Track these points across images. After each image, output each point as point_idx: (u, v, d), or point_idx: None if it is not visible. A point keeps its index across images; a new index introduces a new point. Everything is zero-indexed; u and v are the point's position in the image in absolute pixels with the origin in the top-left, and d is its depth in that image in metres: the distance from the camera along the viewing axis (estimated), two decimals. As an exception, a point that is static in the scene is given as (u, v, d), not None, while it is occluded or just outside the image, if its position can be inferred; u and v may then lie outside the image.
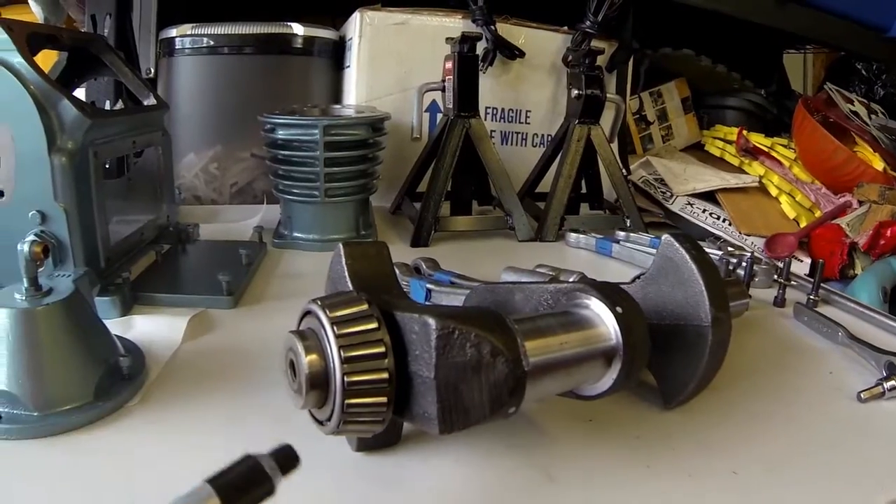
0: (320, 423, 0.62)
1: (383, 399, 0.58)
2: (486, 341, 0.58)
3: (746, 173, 2.10)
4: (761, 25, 2.48)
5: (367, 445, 0.74)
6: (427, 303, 1.09)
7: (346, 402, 0.57)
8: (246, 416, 0.80)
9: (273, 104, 1.59)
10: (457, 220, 1.67)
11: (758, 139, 2.23)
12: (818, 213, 1.96)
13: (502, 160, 1.69)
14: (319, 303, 0.60)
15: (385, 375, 0.58)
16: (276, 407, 0.66)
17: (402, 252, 1.46)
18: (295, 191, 1.48)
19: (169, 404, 0.82)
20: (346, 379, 0.57)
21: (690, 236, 0.85)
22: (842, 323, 1.11)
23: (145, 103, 1.34)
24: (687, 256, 0.81)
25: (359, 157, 1.49)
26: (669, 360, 0.84)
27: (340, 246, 0.72)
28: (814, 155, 2.11)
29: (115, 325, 0.98)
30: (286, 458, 0.53)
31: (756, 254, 1.57)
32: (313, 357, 0.59)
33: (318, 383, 0.58)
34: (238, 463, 0.49)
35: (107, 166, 1.65)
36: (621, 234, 1.60)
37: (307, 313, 0.62)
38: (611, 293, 0.73)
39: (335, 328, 0.58)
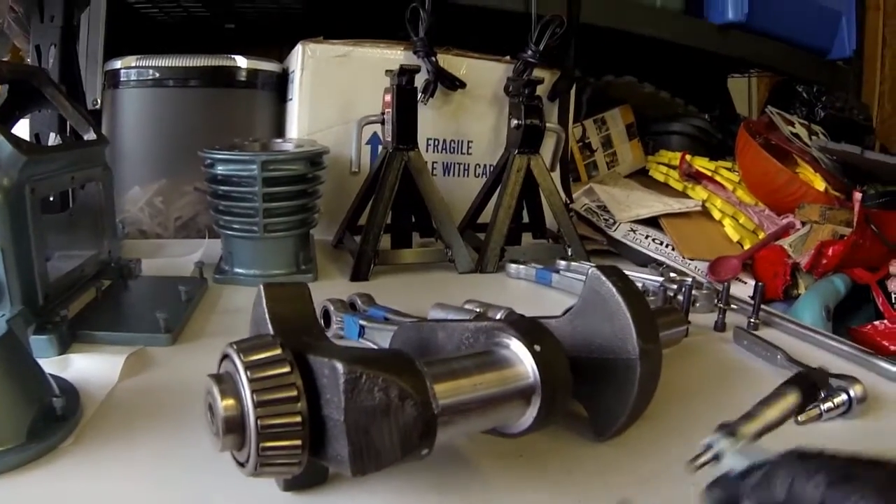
0: (241, 464, 0.62)
1: (297, 441, 0.58)
2: (395, 385, 0.58)
3: (690, 198, 2.11)
4: (704, 51, 2.51)
5: (294, 485, 0.74)
6: (360, 340, 1.09)
7: (261, 444, 0.57)
8: (179, 456, 0.79)
9: (217, 137, 1.59)
10: (397, 253, 1.67)
11: (702, 163, 2.25)
12: (762, 235, 1.97)
13: (444, 191, 1.70)
14: (235, 347, 0.60)
15: (298, 419, 0.58)
16: (207, 446, 0.65)
17: (342, 286, 1.46)
18: (235, 226, 1.47)
19: (103, 444, 0.81)
20: (259, 422, 0.57)
21: (617, 269, 0.86)
22: (782, 345, 1.12)
23: (86, 138, 1.33)
24: (613, 289, 0.82)
25: (298, 192, 1.49)
26: (600, 394, 0.85)
27: (261, 287, 0.72)
28: (756, 177, 2.12)
29: (52, 364, 0.98)
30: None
31: (698, 278, 1.58)
32: (229, 401, 0.58)
33: (235, 427, 0.58)
34: None
35: (51, 199, 1.65)
36: (562, 263, 1.61)
37: (225, 357, 0.62)
38: (529, 331, 0.73)
39: (248, 372, 0.58)
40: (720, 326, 1.30)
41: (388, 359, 0.62)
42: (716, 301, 1.34)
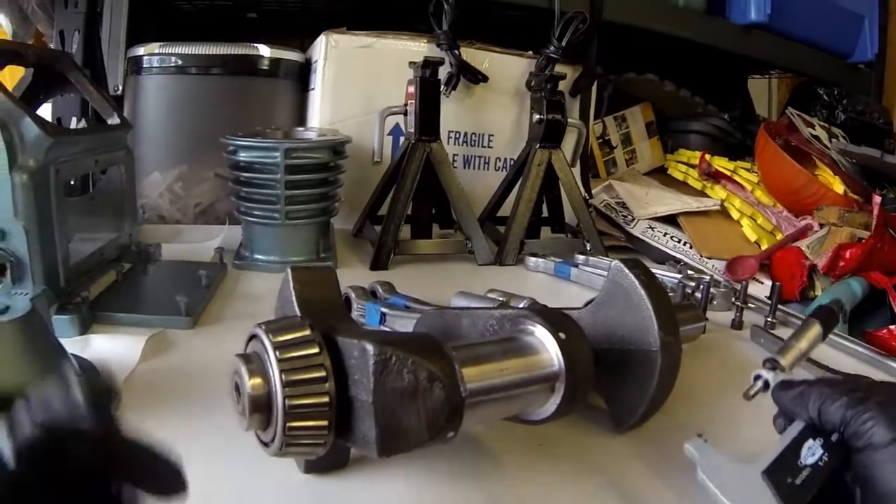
0: (265, 444, 0.62)
1: (324, 422, 0.59)
2: (423, 367, 0.59)
3: (709, 197, 2.10)
4: (726, 51, 2.50)
5: (315, 467, 0.74)
6: (380, 327, 1.09)
7: (288, 424, 0.58)
8: (198, 437, 0.79)
9: (238, 125, 1.59)
10: (417, 243, 1.68)
11: (721, 163, 2.24)
12: (779, 236, 1.96)
13: (464, 184, 1.71)
14: (264, 327, 0.61)
15: (325, 399, 0.58)
16: (228, 428, 0.66)
17: (362, 275, 1.46)
18: (256, 213, 1.48)
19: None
20: (287, 402, 0.57)
21: (640, 262, 0.86)
22: (798, 345, 1.12)
23: (109, 122, 1.33)
24: (636, 282, 0.83)
25: (319, 181, 1.50)
26: (619, 385, 0.85)
27: (289, 271, 0.73)
28: (775, 178, 2.12)
29: (73, 344, 0.98)
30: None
31: (716, 277, 1.58)
32: (257, 380, 0.59)
33: (261, 406, 0.59)
34: None
35: (72, 183, 1.65)
36: (581, 257, 1.61)
37: (253, 337, 0.63)
38: (554, 319, 0.74)
39: (277, 352, 0.58)
40: (737, 324, 1.31)
41: (416, 342, 0.63)
42: (733, 299, 1.35)
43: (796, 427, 0.66)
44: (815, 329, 0.83)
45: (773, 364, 0.76)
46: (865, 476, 0.59)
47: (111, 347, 1.02)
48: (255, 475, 0.73)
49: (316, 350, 0.59)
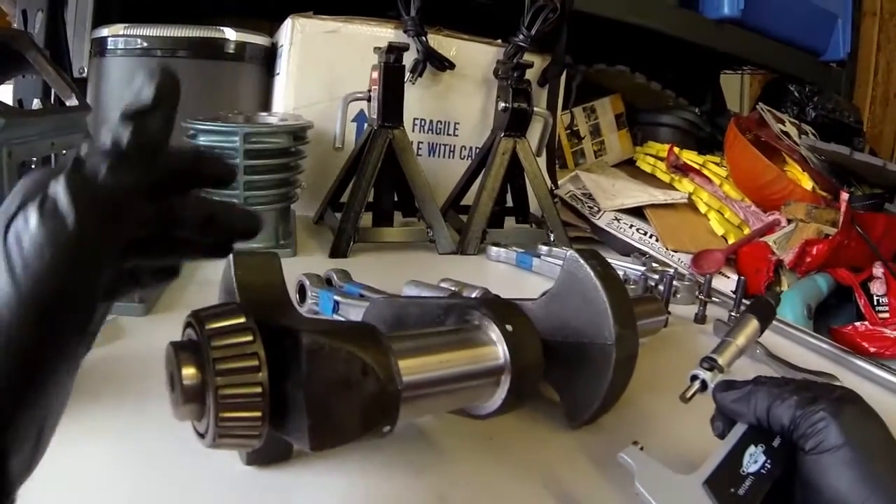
0: (201, 435, 0.60)
1: (257, 413, 0.56)
2: (357, 358, 0.57)
3: (676, 190, 2.10)
4: (697, 45, 2.50)
5: (257, 459, 0.72)
6: (334, 315, 1.07)
7: (220, 415, 0.55)
8: (142, 428, 0.78)
9: (203, 109, 1.56)
10: (378, 231, 1.66)
11: (690, 156, 2.23)
12: (747, 231, 1.96)
13: (429, 172, 1.70)
14: (198, 314, 0.59)
15: (258, 390, 0.56)
16: (172, 419, 0.64)
17: (321, 263, 1.44)
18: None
19: (64, 417, 0.79)
20: (219, 392, 0.55)
21: (597, 252, 0.84)
22: (762, 340, 1.10)
23: (68, 104, 1.31)
24: (591, 273, 0.81)
25: (279, 166, 1.48)
26: (574, 378, 0.83)
27: (231, 256, 0.70)
28: (744, 173, 2.12)
29: None
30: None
31: (680, 270, 1.57)
32: (190, 369, 0.56)
33: (195, 396, 0.56)
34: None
35: (32, 167, 1.62)
36: (544, 248, 1.60)
37: (188, 324, 0.60)
38: (501, 311, 0.72)
39: (210, 340, 0.56)
40: (700, 318, 1.30)
41: (352, 331, 0.61)
42: (697, 293, 1.34)
43: (738, 431, 0.65)
44: (752, 324, 0.82)
45: (710, 363, 0.74)
46: (812, 481, 0.58)
47: None
48: (193, 466, 0.71)
49: (250, 338, 0.57)
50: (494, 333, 0.71)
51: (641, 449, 0.63)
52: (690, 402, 0.73)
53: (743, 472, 0.60)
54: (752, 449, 0.62)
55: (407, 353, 0.64)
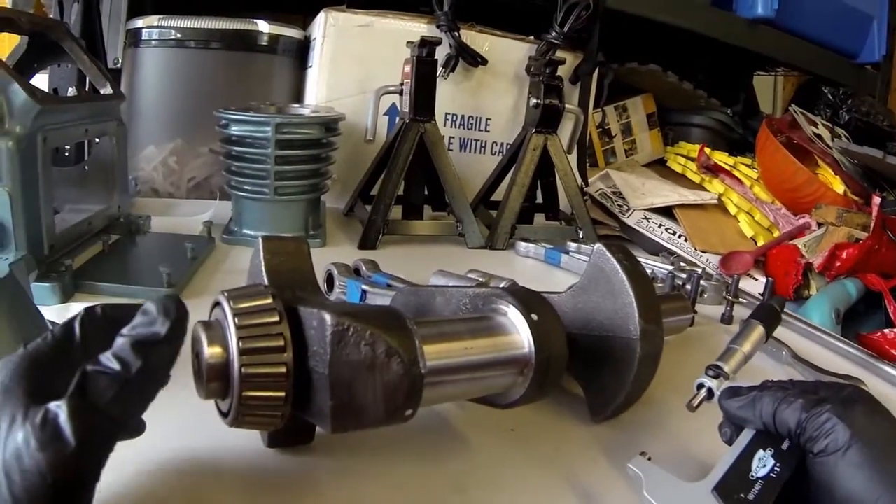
0: (223, 414, 0.61)
1: (281, 393, 0.57)
2: (382, 340, 0.57)
3: (706, 190, 2.09)
4: (731, 45, 2.48)
5: (278, 442, 0.73)
6: (358, 303, 1.08)
7: (244, 394, 0.56)
8: (167, 410, 0.78)
9: (235, 100, 1.58)
10: (407, 223, 1.66)
11: (721, 157, 2.23)
12: (776, 233, 1.95)
13: (460, 167, 1.70)
14: (226, 294, 0.59)
15: (283, 370, 0.57)
16: (196, 400, 0.64)
17: (350, 254, 1.44)
18: (246, 187, 1.47)
19: None
20: (243, 371, 0.56)
21: (624, 247, 0.84)
22: (788, 343, 1.11)
23: (102, 92, 1.32)
24: (618, 267, 0.81)
25: (310, 157, 1.49)
26: (598, 372, 0.83)
27: (260, 240, 0.71)
28: (775, 175, 2.10)
29: (54, 312, 0.99)
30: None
31: (708, 270, 1.57)
32: (215, 348, 0.58)
33: (219, 374, 0.57)
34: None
35: (66, 154, 1.64)
36: (573, 245, 1.60)
37: (216, 304, 0.61)
38: (527, 300, 0.72)
39: (236, 320, 0.57)
40: (727, 319, 1.29)
41: (377, 314, 0.61)
42: (724, 293, 1.33)
43: (745, 437, 0.65)
44: (758, 331, 0.83)
45: (716, 371, 0.75)
46: (823, 482, 0.58)
47: None
48: (214, 447, 0.72)
49: (275, 319, 0.58)
50: (520, 322, 0.71)
51: (649, 459, 0.62)
52: (701, 407, 0.73)
53: (752, 476, 0.60)
54: (760, 453, 0.62)
55: (432, 339, 0.64)
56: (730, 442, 0.67)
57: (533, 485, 0.73)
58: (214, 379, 0.58)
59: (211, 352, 0.58)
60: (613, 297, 0.81)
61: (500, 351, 0.69)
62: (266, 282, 0.68)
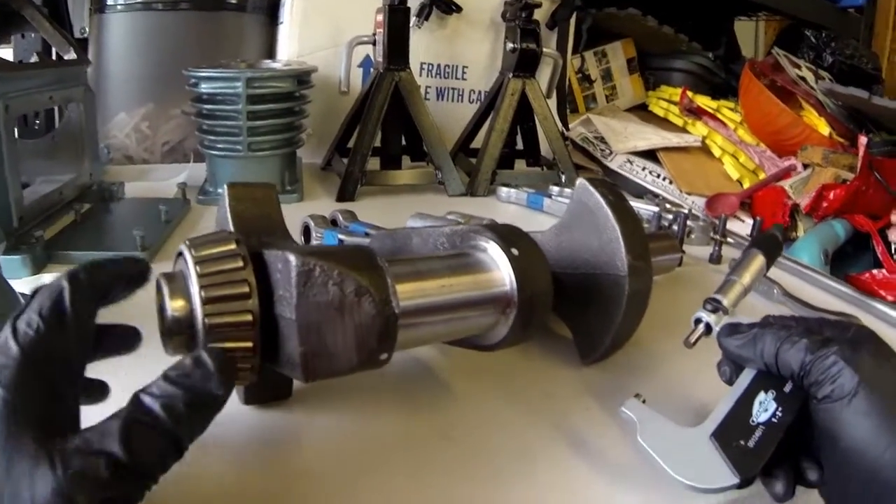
0: (191, 371, 0.58)
1: (248, 343, 0.54)
2: (351, 279, 0.54)
3: (690, 133, 2.08)
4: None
5: (255, 398, 0.70)
6: (328, 244, 1.05)
7: (209, 346, 0.53)
8: (137, 370, 0.75)
9: (206, 61, 1.54)
10: (385, 174, 1.64)
11: (704, 101, 2.21)
12: (762, 176, 1.94)
13: (437, 117, 1.67)
14: (188, 243, 0.56)
15: (248, 318, 0.53)
16: (168, 360, 0.62)
17: (328, 207, 1.40)
18: (219, 145, 1.45)
19: None
20: (207, 321, 0.52)
21: (607, 181, 0.82)
22: (778, 281, 1.08)
23: (66, 58, 1.29)
24: (602, 201, 0.78)
25: (283, 111, 1.46)
26: (585, 312, 0.81)
27: (226, 187, 0.67)
28: (759, 117, 2.09)
29: (24, 284, 0.97)
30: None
31: (694, 212, 1.54)
32: (177, 299, 0.54)
33: (183, 327, 0.54)
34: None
35: (36, 126, 1.61)
36: (555, 189, 1.57)
37: (179, 254, 0.58)
38: (508, 235, 0.68)
39: (198, 267, 0.53)
40: (716, 258, 1.27)
41: (346, 253, 0.58)
42: (712, 234, 1.30)
43: (745, 378, 0.61)
44: (758, 260, 0.77)
45: (714, 305, 0.69)
46: (827, 429, 0.54)
47: None
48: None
49: (239, 264, 0.54)
50: (500, 258, 0.68)
51: (644, 402, 0.60)
52: (697, 345, 0.69)
53: (753, 422, 0.57)
54: (761, 396, 0.59)
55: (405, 277, 0.61)
56: (729, 382, 0.64)
57: (521, 431, 0.70)
58: (179, 333, 0.55)
59: (173, 304, 0.54)
60: (598, 233, 0.78)
61: (480, 289, 0.66)
62: (232, 229, 0.64)
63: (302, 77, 1.50)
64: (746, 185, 1.93)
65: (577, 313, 0.82)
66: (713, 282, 1.05)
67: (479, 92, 2.04)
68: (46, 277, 1.01)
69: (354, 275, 0.54)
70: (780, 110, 2.00)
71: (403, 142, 1.72)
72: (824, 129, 2.04)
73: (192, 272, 0.54)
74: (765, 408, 0.58)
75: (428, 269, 0.65)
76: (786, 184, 1.84)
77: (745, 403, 0.59)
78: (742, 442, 0.55)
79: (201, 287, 0.53)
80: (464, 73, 2.02)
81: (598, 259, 0.78)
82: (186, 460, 0.52)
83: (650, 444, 0.56)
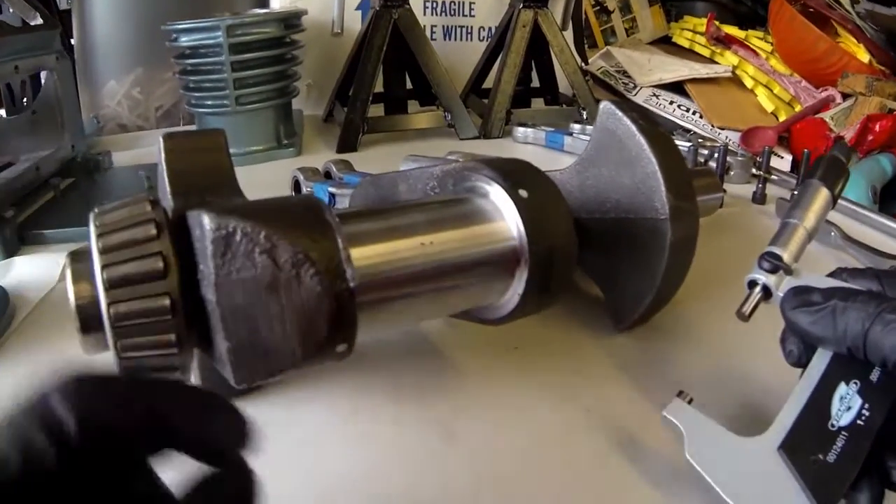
0: (120, 372, 0.45)
1: (169, 337, 0.41)
2: (285, 244, 0.40)
3: (719, 64, 1.98)
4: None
5: (224, 391, 0.58)
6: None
7: (120, 342, 0.41)
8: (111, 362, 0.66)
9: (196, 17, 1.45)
10: (390, 119, 1.56)
11: (731, 30, 2.10)
12: (798, 108, 1.85)
13: (445, 57, 1.60)
14: (96, 210, 0.44)
15: (165, 302, 0.41)
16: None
17: (329, 159, 1.33)
18: (206, 102, 1.37)
19: (29, 354, 0.71)
20: (112, 310, 0.40)
21: (636, 105, 0.68)
22: (832, 220, 0.96)
23: (32, 24, 1.20)
24: (633, 128, 0.65)
25: (271, 59, 1.36)
26: (618, 267, 0.69)
27: (160, 139, 0.54)
28: (792, 46, 1.99)
29: None
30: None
31: (731, 147, 1.43)
32: (81, 283, 0.43)
33: (91, 318, 0.42)
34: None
35: (24, 102, 1.53)
36: (576, 126, 1.46)
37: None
38: (513, 173, 0.55)
39: (100, 241, 0.41)
40: (759, 198, 1.15)
41: (279, 209, 0.44)
42: (753, 170, 1.20)
43: (820, 361, 0.48)
44: (822, 195, 0.59)
45: (772, 263, 0.54)
46: None
47: (30, 269, 0.93)
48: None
49: (152, 232, 0.41)
50: (504, 203, 0.53)
51: (690, 401, 0.49)
52: (751, 317, 0.53)
53: (832, 425, 0.45)
54: (842, 389, 0.47)
55: (367, 238, 0.48)
56: (798, 363, 0.51)
57: (545, 418, 0.58)
58: (90, 329, 0.43)
59: (77, 290, 0.43)
60: (631, 167, 0.65)
61: (479, 245, 0.52)
62: (168, 188, 0.51)
63: (290, 20, 1.40)
64: (782, 117, 1.83)
65: (609, 267, 0.70)
66: (762, 226, 0.92)
67: (490, 29, 1.93)
68: (17, 261, 0.94)
69: (290, 238, 0.40)
70: (817, 37, 1.90)
71: (410, 85, 1.63)
72: (864, 56, 1.94)
73: (94, 247, 0.41)
74: (847, 405, 0.46)
75: (404, 223, 0.51)
76: (826, 115, 1.76)
77: (821, 400, 0.47)
78: (820, 456, 0.44)
79: (103, 266, 0.41)
80: (471, 9, 1.91)
81: (633, 200, 0.65)
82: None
83: (701, 461, 0.46)
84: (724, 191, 1.01)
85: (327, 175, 1.05)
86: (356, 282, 0.43)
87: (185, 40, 1.33)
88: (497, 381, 0.62)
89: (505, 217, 0.53)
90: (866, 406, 0.45)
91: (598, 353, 0.68)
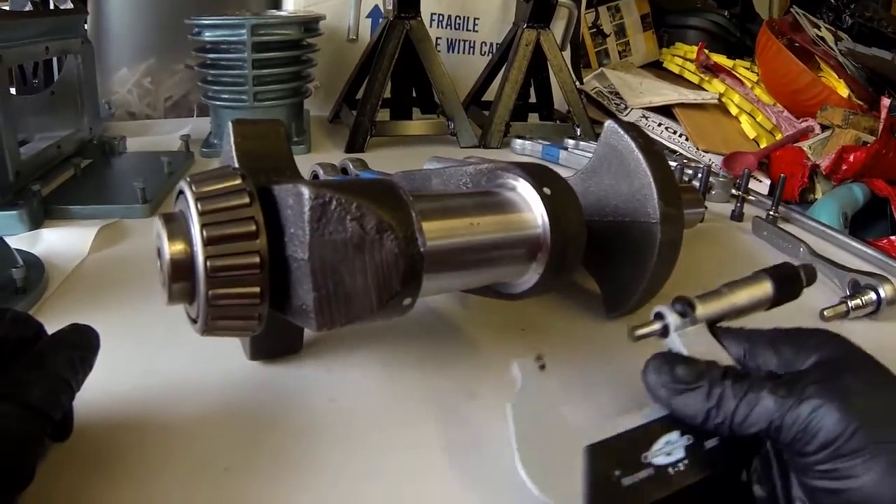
0: (193, 321, 0.53)
1: (255, 289, 0.49)
2: (372, 214, 0.49)
3: (706, 90, 2.04)
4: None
5: (262, 353, 0.66)
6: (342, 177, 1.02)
7: (212, 292, 0.48)
8: (142, 326, 0.74)
9: (209, 14, 1.50)
10: (395, 124, 1.62)
11: (719, 59, 2.17)
12: (779, 136, 1.91)
13: (449, 68, 1.63)
14: (189, 179, 0.51)
15: (255, 259, 0.49)
16: (170, 315, 0.57)
17: (337, 158, 1.37)
18: (224, 96, 1.42)
19: (66, 316, 0.70)
20: (209, 263, 0.48)
21: (636, 125, 0.77)
22: (805, 239, 1.04)
23: (62, 7, 1.25)
24: (633, 145, 0.74)
25: (290, 59, 1.43)
26: (613, 263, 0.78)
27: (230, 123, 0.62)
28: (777, 77, 2.05)
29: (22, 240, 0.96)
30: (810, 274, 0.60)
31: (713, 168, 1.51)
32: (177, 241, 0.50)
33: (183, 272, 0.49)
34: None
35: (35, 83, 1.57)
36: (570, 142, 1.53)
37: (180, 193, 0.53)
38: (539, 173, 0.63)
39: (199, 204, 0.49)
40: (737, 216, 1.23)
41: (366, 185, 0.53)
42: (733, 190, 1.27)
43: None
44: (763, 288, 0.59)
45: (684, 306, 0.55)
46: (819, 487, 0.44)
47: (60, 240, 0.98)
48: (196, 364, 0.65)
49: (245, 200, 0.49)
50: (531, 197, 0.62)
51: (543, 367, 0.51)
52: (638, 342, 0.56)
53: (644, 459, 0.48)
54: (672, 437, 0.49)
55: (431, 214, 0.56)
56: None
57: (551, 388, 0.65)
58: (179, 279, 0.50)
59: (173, 247, 0.50)
60: (629, 177, 0.74)
61: (511, 230, 0.61)
62: (238, 167, 0.59)
63: (309, 24, 1.46)
64: (763, 144, 1.90)
65: (606, 263, 0.79)
66: (738, 240, 1.01)
67: (491, 44, 2.01)
68: (45, 233, 0.99)
69: (375, 209, 0.49)
70: (800, 70, 1.96)
71: (414, 94, 1.68)
72: (843, 90, 2.00)
73: (193, 210, 0.49)
74: (668, 451, 0.48)
75: (456, 206, 0.60)
76: (804, 144, 1.82)
77: (650, 433, 0.49)
78: (617, 473, 0.46)
79: (202, 226, 0.48)
80: (475, 24, 1.98)
81: (629, 206, 0.74)
82: (188, 421, 0.48)
83: (517, 420, 0.48)
84: (706, 207, 1.08)
85: (343, 171, 1.12)
86: (425, 248, 0.51)
87: (208, 34, 1.38)
88: (507, 355, 0.69)
89: (533, 209, 0.62)
90: (685, 462, 0.48)
91: (593, 334, 0.77)
